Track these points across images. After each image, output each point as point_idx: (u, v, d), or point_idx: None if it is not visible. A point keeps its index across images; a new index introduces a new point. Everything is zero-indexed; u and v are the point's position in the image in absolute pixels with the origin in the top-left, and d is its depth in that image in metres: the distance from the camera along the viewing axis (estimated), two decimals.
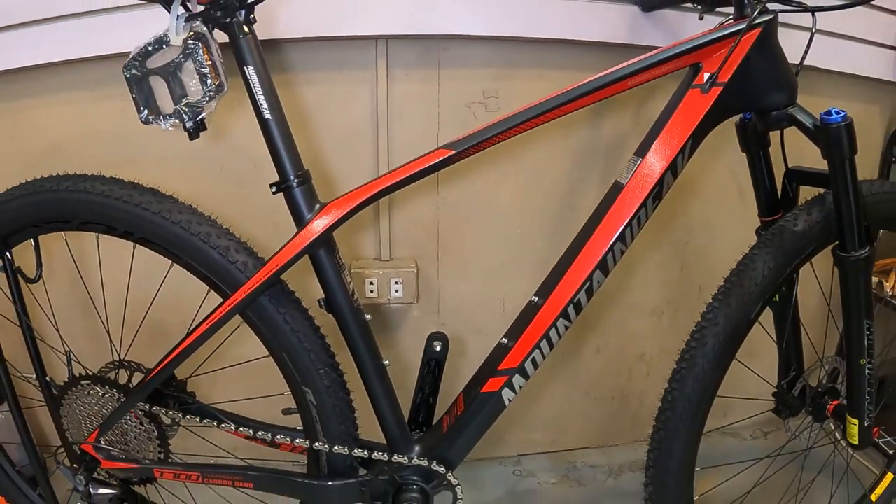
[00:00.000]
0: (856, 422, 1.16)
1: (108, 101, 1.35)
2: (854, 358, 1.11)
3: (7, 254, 1.12)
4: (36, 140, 1.38)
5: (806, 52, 1.03)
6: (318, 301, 1.01)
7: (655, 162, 0.98)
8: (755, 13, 0.96)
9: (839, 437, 1.25)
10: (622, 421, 1.76)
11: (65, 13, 1.25)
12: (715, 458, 1.59)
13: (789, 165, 1.12)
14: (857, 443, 1.19)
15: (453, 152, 0.96)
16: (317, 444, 1.06)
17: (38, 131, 1.38)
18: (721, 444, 1.77)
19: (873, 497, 1.44)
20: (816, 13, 1.04)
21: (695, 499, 1.16)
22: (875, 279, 1.68)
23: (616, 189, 1.01)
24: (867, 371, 1.12)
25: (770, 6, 0.99)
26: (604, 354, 1.69)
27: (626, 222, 0.98)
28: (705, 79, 0.97)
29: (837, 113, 0.97)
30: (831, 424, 1.29)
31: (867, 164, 1.69)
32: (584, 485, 1.65)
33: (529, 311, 1.04)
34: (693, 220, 1.61)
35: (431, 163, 0.96)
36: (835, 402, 1.25)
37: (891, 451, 1.53)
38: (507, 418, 1.65)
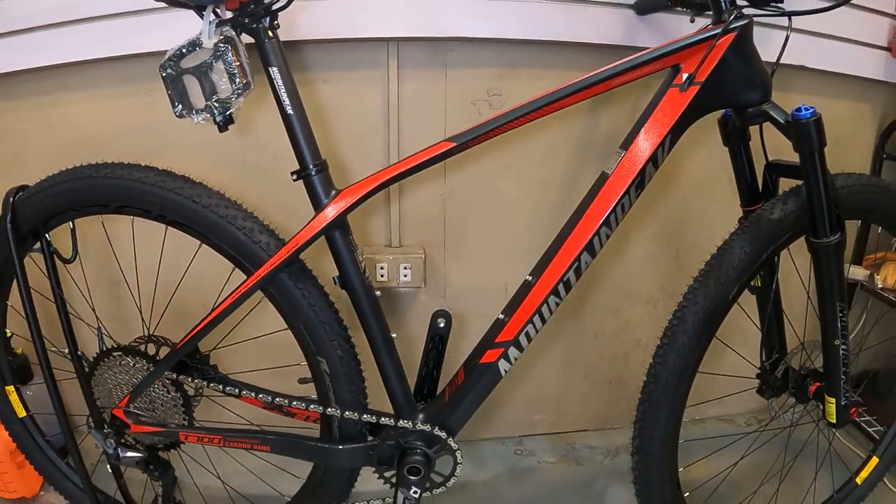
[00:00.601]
0: (833, 400, 1.26)
1: (136, 96, 1.49)
2: (829, 339, 1.22)
3: (46, 236, 1.25)
4: (68, 132, 1.52)
5: (781, 52, 1.15)
6: (333, 278, 1.15)
7: (638, 154, 1.11)
8: (731, 18, 1.09)
9: (820, 417, 1.34)
10: (620, 405, 1.88)
11: (95, 15, 1.38)
12: (710, 442, 1.72)
13: (769, 159, 1.23)
14: (834, 421, 1.28)
15: (455, 144, 1.09)
16: (329, 409, 1.19)
17: (70, 124, 1.52)
18: (716, 430, 1.89)
19: (858, 480, 1.55)
20: (793, 17, 1.15)
21: (679, 470, 1.29)
22: (867, 272, 1.80)
23: (602, 179, 1.14)
24: (841, 351, 1.22)
25: (746, 11, 1.11)
26: (601, 340, 1.82)
27: (610, 208, 1.11)
28: (684, 79, 1.09)
29: (807, 109, 1.07)
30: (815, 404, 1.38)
31: (860, 161, 1.80)
32: (582, 464, 1.77)
33: (524, 289, 1.17)
34: (687, 213, 1.73)
35: (435, 154, 1.09)
36: (817, 384, 1.34)
37: (877, 437, 1.65)
38: (509, 400, 1.81)
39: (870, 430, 1.80)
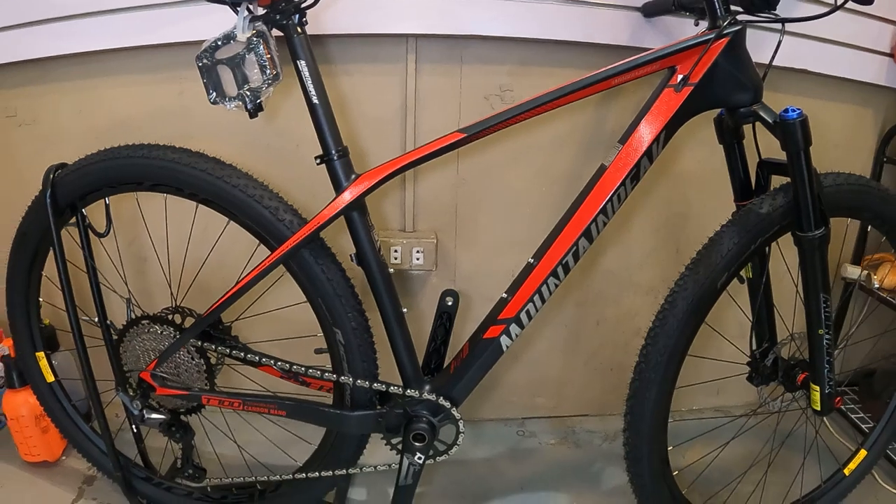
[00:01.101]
0: (818, 389, 1.38)
1: (167, 83, 1.61)
2: (814, 328, 1.33)
3: (82, 211, 1.38)
4: (101, 115, 1.65)
5: (773, 56, 1.25)
6: (350, 256, 1.28)
7: (634, 148, 1.23)
8: (725, 24, 1.20)
9: (807, 405, 1.44)
10: (619, 391, 1.92)
11: (131, 5, 1.51)
12: (702, 428, 1.84)
13: (762, 157, 1.34)
14: (819, 409, 1.40)
15: (465, 135, 1.21)
16: (343, 378, 1.32)
17: (104, 108, 1.64)
18: (714, 421, 2.00)
19: (847, 471, 1.66)
20: (788, 23, 1.24)
21: (669, 449, 1.41)
22: (864, 272, 1.91)
23: (601, 170, 1.26)
24: (825, 341, 1.33)
25: (740, 17, 1.22)
26: (603, 328, 1.94)
27: (607, 198, 1.23)
28: (679, 80, 1.21)
29: (794, 110, 1.19)
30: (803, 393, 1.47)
31: (860, 164, 1.90)
32: (581, 447, 1.90)
33: (526, 270, 1.30)
34: (688, 208, 1.84)
35: (447, 143, 1.22)
36: (805, 374, 1.44)
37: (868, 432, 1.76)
38: (512, 383, 1.94)
39: (863, 426, 1.92)
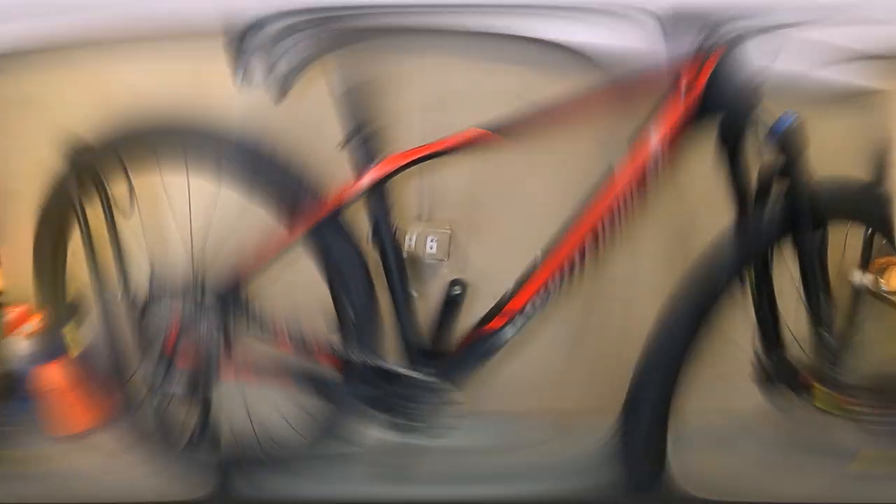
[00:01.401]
0: (821, 388, 1.45)
1: (188, 69, 1.67)
2: (815, 329, 1.41)
3: (106, 188, 1.47)
4: (122, 99, 1.62)
5: (772, 61, 1.31)
6: (367, 235, 1.36)
7: (641, 154, 1.31)
8: (722, 32, 1.28)
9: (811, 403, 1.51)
10: (620, 393, 2.03)
11: None
12: (719, 434, 1.89)
13: (762, 163, 1.37)
14: (823, 407, 1.47)
15: (485, 132, 1.31)
16: (351, 354, 1.40)
17: (124, 91, 1.65)
18: (718, 419, 1.99)
19: (852, 469, 1.70)
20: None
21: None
22: (871, 276, 1.93)
23: (609, 173, 1.34)
24: (826, 340, 1.41)
25: (737, 24, 1.28)
26: (608, 332, 1.98)
27: (614, 200, 1.32)
28: (682, 88, 1.29)
29: (789, 116, 1.27)
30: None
31: (863, 169, 1.81)
32: (578, 443, 1.90)
33: (533, 265, 1.38)
34: (696, 214, 1.85)
35: (465, 139, 1.31)
36: (808, 374, 1.49)
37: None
38: (513, 379, 1.98)
39: (870, 427, 1.95)
